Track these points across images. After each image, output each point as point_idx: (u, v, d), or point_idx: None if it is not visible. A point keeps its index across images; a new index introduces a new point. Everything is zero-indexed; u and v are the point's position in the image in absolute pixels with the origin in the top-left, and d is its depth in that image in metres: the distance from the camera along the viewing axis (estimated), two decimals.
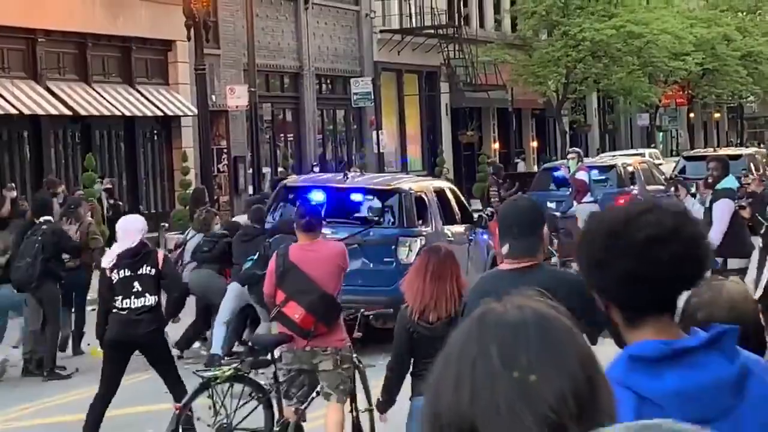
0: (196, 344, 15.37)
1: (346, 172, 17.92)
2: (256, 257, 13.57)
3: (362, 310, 10.15)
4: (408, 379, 7.68)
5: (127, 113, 29.58)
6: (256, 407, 9.68)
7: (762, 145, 54.61)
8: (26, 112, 26.42)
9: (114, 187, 28.63)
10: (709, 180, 13.97)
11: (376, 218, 15.90)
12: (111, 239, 25.18)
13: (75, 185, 27.26)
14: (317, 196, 15.60)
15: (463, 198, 18.12)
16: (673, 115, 65.16)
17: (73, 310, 15.35)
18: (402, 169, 41.21)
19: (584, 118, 56.37)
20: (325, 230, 15.15)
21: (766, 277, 12.61)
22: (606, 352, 2.67)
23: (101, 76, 29.88)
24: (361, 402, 9.77)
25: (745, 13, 59.89)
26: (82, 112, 28.00)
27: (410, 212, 15.63)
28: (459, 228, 16.62)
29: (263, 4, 35.37)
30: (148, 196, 31.93)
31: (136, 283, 10.09)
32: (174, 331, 14.74)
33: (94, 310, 16.57)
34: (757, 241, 14.97)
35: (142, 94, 30.51)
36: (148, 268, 10.15)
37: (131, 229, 10.33)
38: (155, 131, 32.10)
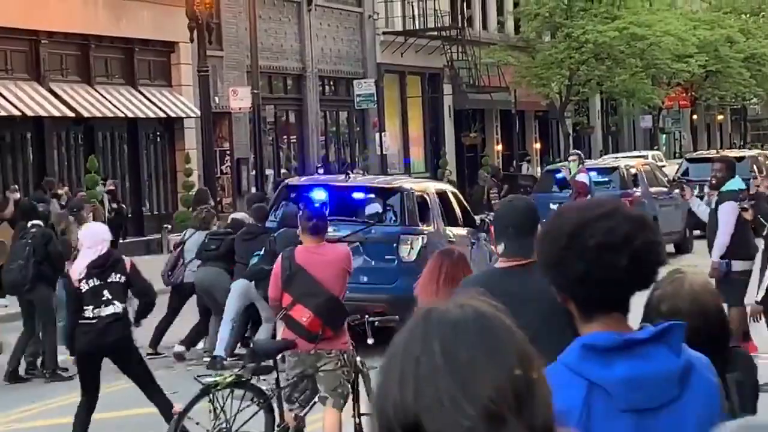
0: (200, 345, 15.37)
1: (348, 172, 17.93)
2: (262, 253, 13.57)
3: (367, 316, 10.11)
4: None
5: (130, 115, 29.59)
6: (256, 412, 9.66)
7: (765, 147, 54.59)
8: (29, 113, 26.44)
9: (117, 189, 28.66)
10: (713, 181, 13.95)
11: (378, 217, 15.90)
12: (113, 241, 25.21)
13: (78, 187, 27.27)
14: (319, 195, 15.61)
15: (465, 202, 18.13)
16: (676, 117, 65.13)
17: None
18: (405, 170, 41.21)
19: (587, 120, 56.35)
20: (328, 228, 15.22)
21: None
22: None
23: (104, 77, 29.89)
24: (365, 405, 9.76)
25: (748, 15, 59.86)
26: (85, 114, 28.01)
27: (412, 211, 15.66)
28: (461, 231, 16.63)
29: (266, 6, 35.38)
30: (151, 197, 31.94)
31: (105, 292, 10.07)
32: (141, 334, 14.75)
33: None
34: (760, 244, 14.94)
35: (144, 96, 30.52)
36: (118, 275, 10.14)
37: (97, 238, 10.30)
38: (158, 133, 32.11)
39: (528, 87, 45.45)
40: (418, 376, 1.98)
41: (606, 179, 25.65)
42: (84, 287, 10.11)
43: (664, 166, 36.52)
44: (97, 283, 10.08)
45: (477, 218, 18.04)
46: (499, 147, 49.60)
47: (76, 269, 10.25)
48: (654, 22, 45.30)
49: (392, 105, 43.03)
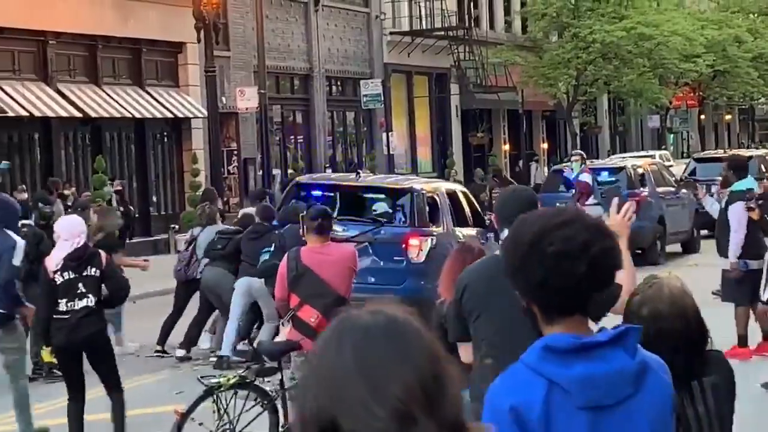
0: (206, 344, 15.39)
1: (358, 171, 17.89)
2: (272, 249, 13.57)
3: None
4: None
5: (137, 115, 29.63)
6: (261, 413, 9.66)
7: None
8: (37, 114, 26.48)
9: (124, 189, 28.69)
10: (721, 180, 13.98)
11: (388, 216, 15.88)
12: (119, 242, 25.22)
13: (85, 187, 27.32)
14: (327, 194, 15.61)
15: (475, 202, 18.10)
16: (683, 116, 65.04)
17: None
18: (412, 170, 41.20)
19: (595, 120, 56.30)
20: (337, 227, 15.20)
21: None
22: None
23: (111, 78, 29.93)
24: None
25: (756, 15, 59.76)
26: (93, 114, 28.06)
27: (422, 212, 15.63)
28: (471, 231, 16.60)
29: (273, 6, 35.40)
30: (159, 197, 31.98)
31: (80, 285, 10.00)
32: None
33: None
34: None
35: (152, 96, 30.56)
36: (93, 269, 10.05)
37: (74, 230, 10.18)
38: (165, 133, 32.15)
39: (535, 87, 45.42)
40: (333, 380, 2.11)
41: (613, 179, 25.60)
42: (59, 279, 10.01)
43: (671, 166, 36.45)
44: (72, 276, 9.99)
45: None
46: (507, 147, 49.58)
47: (53, 261, 10.12)
48: (661, 21, 45.24)
49: (399, 105, 43.02)
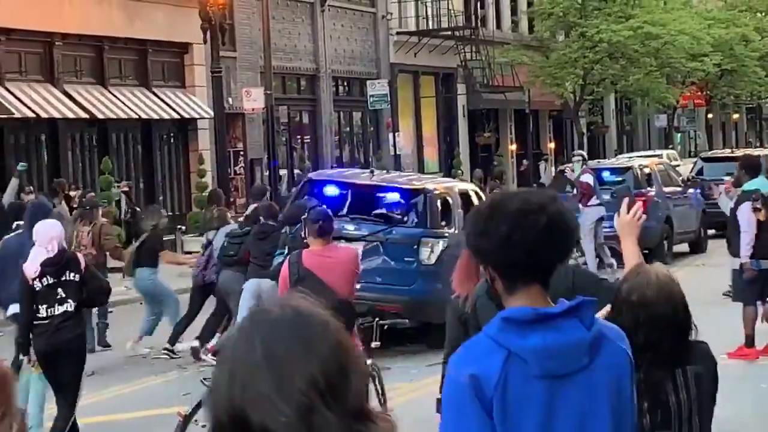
0: (214, 341, 15.41)
1: (373, 169, 17.75)
2: (285, 251, 13.56)
3: (377, 319, 10.07)
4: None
5: (144, 116, 29.64)
6: None
7: None
8: (43, 115, 26.49)
9: (131, 190, 28.70)
10: (733, 180, 13.99)
11: (400, 217, 15.82)
12: (128, 241, 25.27)
13: (91, 188, 27.32)
14: (340, 191, 15.57)
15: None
16: (691, 116, 64.95)
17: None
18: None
19: (602, 120, 56.24)
20: (349, 226, 15.17)
21: None
22: None
23: (118, 79, 29.94)
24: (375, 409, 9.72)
25: (763, 14, 59.65)
26: (99, 116, 28.07)
27: (434, 213, 15.55)
28: None
29: (279, 7, 35.40)
30: (165, 198, 31.97)
31: (59, 290, 9.93)
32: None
33: (111, 311, 16.71)
34: None
35: (158, 97, 30.57)
36: (72, 274, 9.97)
37: (46, 237, 10.06)
38: (172, 134, 32.16)
39: (542, 86, 45.38)
40: (243, 374, 2.22)
41: (620, 179, 25.57)
42: (38, 285, 9.95)
43: (678, 166, 36.40)
44: (51, 281, 9.93)
45: None
46: (513, 147, 49.55)
47: (31, 267, 10.03)
48: (668, 21, 45.17)
49: (406, 105, 43.00)
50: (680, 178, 28.24)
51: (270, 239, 14.34)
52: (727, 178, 23.60)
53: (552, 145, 52.98)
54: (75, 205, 21.92)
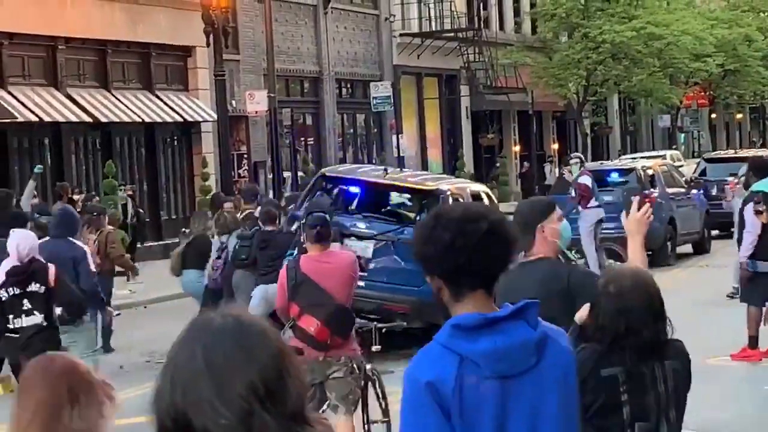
0: None
1: (386, 168, 17.70)
2: (295, 253, 13.55)
3: (375, 323, 10.06)
4: None
5: (147, 119, 29.66)
6: None
7: None
8: (46, 119, 26.52)
9: (134, 194, 28.71)
10: (743, 181, 14.03)
11: (412, 216, 15.80)
12: (132, 246, 25.26)
13: (95, 191, 27.33)
14: (353, 188, 15.56)
15: (497, 203, 18.00)
16: (694, 116, 64.91)
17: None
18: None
19: (605, 120, 56.22)
20: (360, 224, 15.15)
21: None
22: None
23: (121, 82, 29.97)
24: (375, 412, 9.71)
25: (766, 14, 59.61)
26: (103, 119, 28.09)
27: None
28: None
29: (282, 9, 35.41)
30: (169, 202, 32.00)
31: (25, 301, 9.75)
32: None
33: (119, 314, 16.72)
34: None
35: (161, 101, 30.59)
36: (38, 285, 9.77)
37: (24, 245, 9.89)
38: (175, 137, 32.18)
39: (545, 87, 45.38)
40: (185, 380, 2.33)
41: (623, 180, 25.56)
42: (4, 295, 9.79)
43: (682, 166, 36.37)
44: (16, 292, 9.76)
45: None
46: (517, 148, 49.55)
47: None
48: (671, 21, 45.17)
49: (409, 107, 43.01)
50: (683, 179, 28.23)
51: (272, 246, 14.31)
52: (730, 178, 23.60)
53: (555, 146, 52.98)
54: (78, 209, 21.93)
